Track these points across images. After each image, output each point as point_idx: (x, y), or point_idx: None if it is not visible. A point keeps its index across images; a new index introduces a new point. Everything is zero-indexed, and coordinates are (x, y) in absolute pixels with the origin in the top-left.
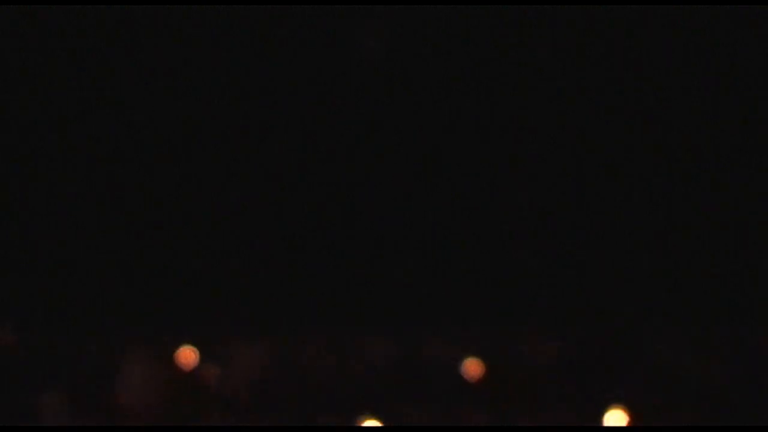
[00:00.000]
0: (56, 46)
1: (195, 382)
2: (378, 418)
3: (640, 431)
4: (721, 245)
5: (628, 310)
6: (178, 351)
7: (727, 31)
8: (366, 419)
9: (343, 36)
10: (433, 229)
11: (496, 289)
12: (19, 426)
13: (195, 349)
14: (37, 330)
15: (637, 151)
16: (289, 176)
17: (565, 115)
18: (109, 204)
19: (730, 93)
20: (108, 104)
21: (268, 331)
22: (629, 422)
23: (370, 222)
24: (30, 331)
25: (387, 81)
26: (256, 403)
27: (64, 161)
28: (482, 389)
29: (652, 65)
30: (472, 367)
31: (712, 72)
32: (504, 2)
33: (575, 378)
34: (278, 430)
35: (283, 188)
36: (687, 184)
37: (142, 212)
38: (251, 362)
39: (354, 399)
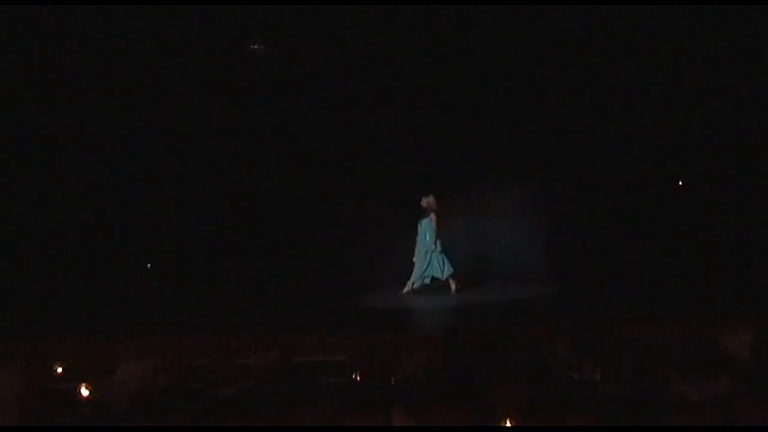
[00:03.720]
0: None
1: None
2: (266, 418)
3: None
4: (613, 248)
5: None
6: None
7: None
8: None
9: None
10: (315, 247)
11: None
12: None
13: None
14: None
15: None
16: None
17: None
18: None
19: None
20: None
21: (155, 335)
22: (515, 423)
23: (263, 235)
24: None
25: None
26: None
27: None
28: (363, 392)
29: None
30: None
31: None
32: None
33: (460, 380)
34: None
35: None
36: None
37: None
38: (140, 367)
39: (244, 400)
